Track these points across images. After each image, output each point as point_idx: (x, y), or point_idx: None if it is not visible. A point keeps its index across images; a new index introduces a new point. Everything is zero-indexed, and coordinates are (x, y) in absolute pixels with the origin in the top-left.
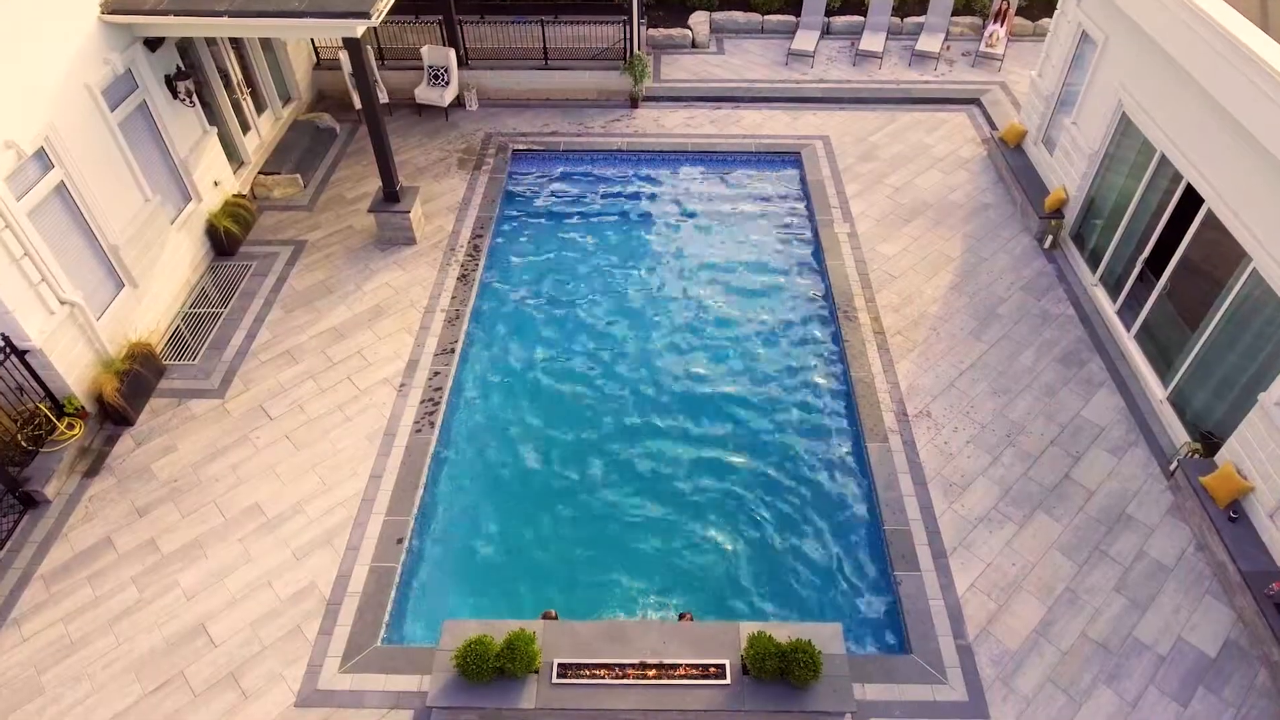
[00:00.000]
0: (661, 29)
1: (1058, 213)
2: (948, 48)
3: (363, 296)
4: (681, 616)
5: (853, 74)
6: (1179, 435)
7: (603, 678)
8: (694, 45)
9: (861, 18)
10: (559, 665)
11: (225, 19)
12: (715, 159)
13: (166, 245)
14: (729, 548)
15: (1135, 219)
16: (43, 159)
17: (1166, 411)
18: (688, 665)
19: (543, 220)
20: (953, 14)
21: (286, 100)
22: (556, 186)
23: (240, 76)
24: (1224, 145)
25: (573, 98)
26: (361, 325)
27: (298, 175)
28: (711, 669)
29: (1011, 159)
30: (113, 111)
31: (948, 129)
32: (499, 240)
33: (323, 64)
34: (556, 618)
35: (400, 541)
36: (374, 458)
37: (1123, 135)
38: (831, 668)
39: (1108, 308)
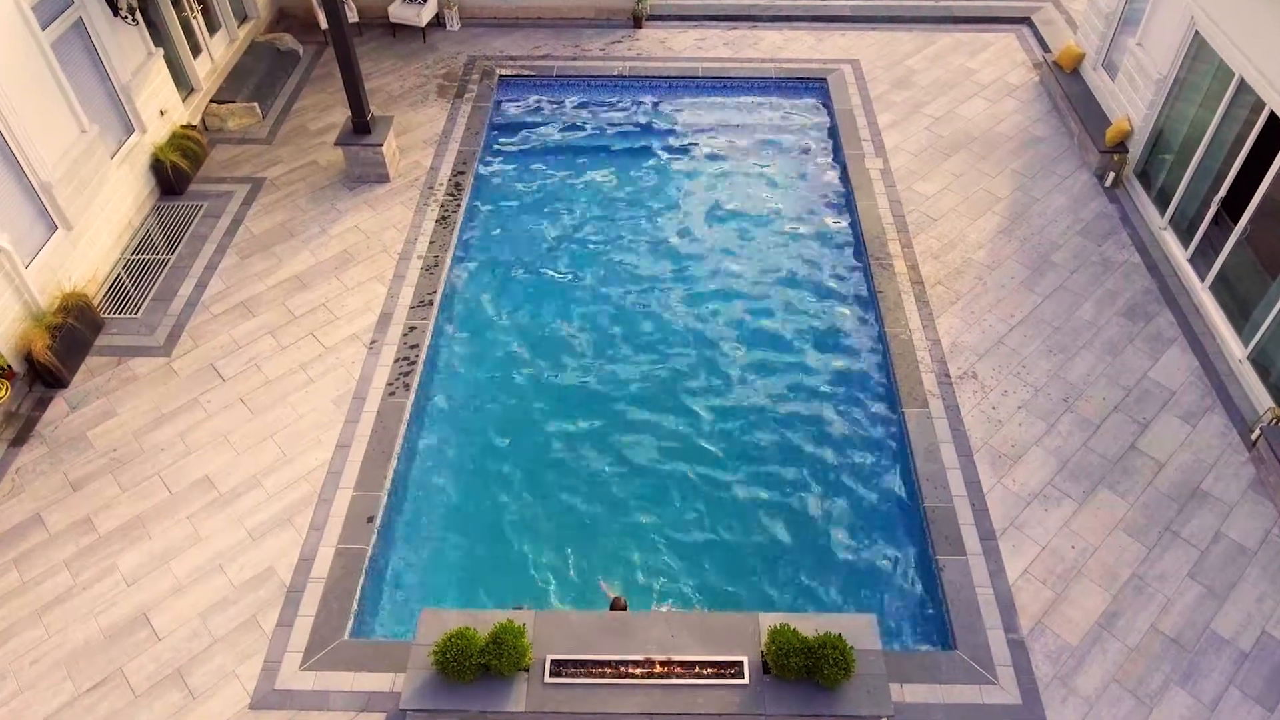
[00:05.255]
0: None
1: (1121, 146)
2: None
3: (329, 241)
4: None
5: None
6: (1261, 400)
7: (602, 676)
8: None
9: None
10: (552, 662)
11: None
12: (730, 86)
13: (105, 182)
14: (747, 527)
15: (1210, 153)
16: None
17: (1247, 373)
18: (700, 662)
19: (533, 155)
20: None
21: (243, 19)
22: (549, 117)
23: None
24: None
25: (567, 16)
26: (327, 274)
27: (255, 104)
28: (727, 667)
29: (1067, 85)
30: (44, 30)
31: (994, 52)
32: (483, 177)
33: None
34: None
35: (371, 520)
36: (341, 425)
37: (1195, 58)
38: (865, 665)
39: (1178, 254)
